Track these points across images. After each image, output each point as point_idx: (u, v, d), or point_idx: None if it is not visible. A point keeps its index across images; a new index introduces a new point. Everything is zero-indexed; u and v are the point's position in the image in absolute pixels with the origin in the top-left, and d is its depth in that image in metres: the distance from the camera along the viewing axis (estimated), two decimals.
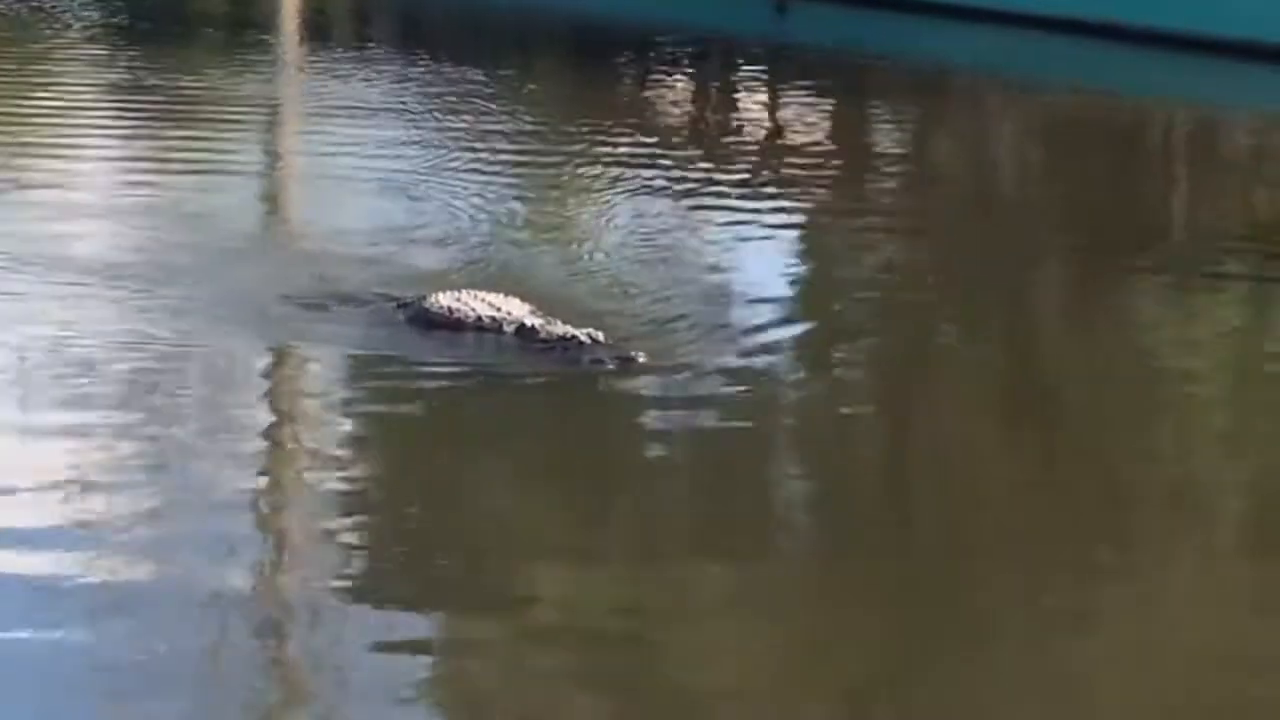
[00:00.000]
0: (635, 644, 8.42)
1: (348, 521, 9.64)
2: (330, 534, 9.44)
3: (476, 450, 10.86)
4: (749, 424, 11.21)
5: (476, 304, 12.44)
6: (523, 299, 12.58)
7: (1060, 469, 10.81)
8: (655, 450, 11.11)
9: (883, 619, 8.70)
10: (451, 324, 12.34)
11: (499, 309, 12.39)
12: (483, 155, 19.54)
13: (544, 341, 12.02)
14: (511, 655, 8.31)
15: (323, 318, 12.81)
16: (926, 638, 8.49)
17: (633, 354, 11.74)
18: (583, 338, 11.87)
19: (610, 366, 11.66)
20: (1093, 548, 9.51)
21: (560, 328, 12.06)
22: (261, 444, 10.79)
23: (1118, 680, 8.14)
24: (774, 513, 10.32)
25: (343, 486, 10.08)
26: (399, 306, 12.75)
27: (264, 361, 12.45)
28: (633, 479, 10.61)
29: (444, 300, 12.51)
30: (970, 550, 9.54)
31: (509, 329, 12.22)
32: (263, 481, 10.27)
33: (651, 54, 29.63)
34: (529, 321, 12.21)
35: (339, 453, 10.63)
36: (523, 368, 11.85)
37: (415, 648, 8.31)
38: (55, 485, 9.75)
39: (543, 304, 12.60)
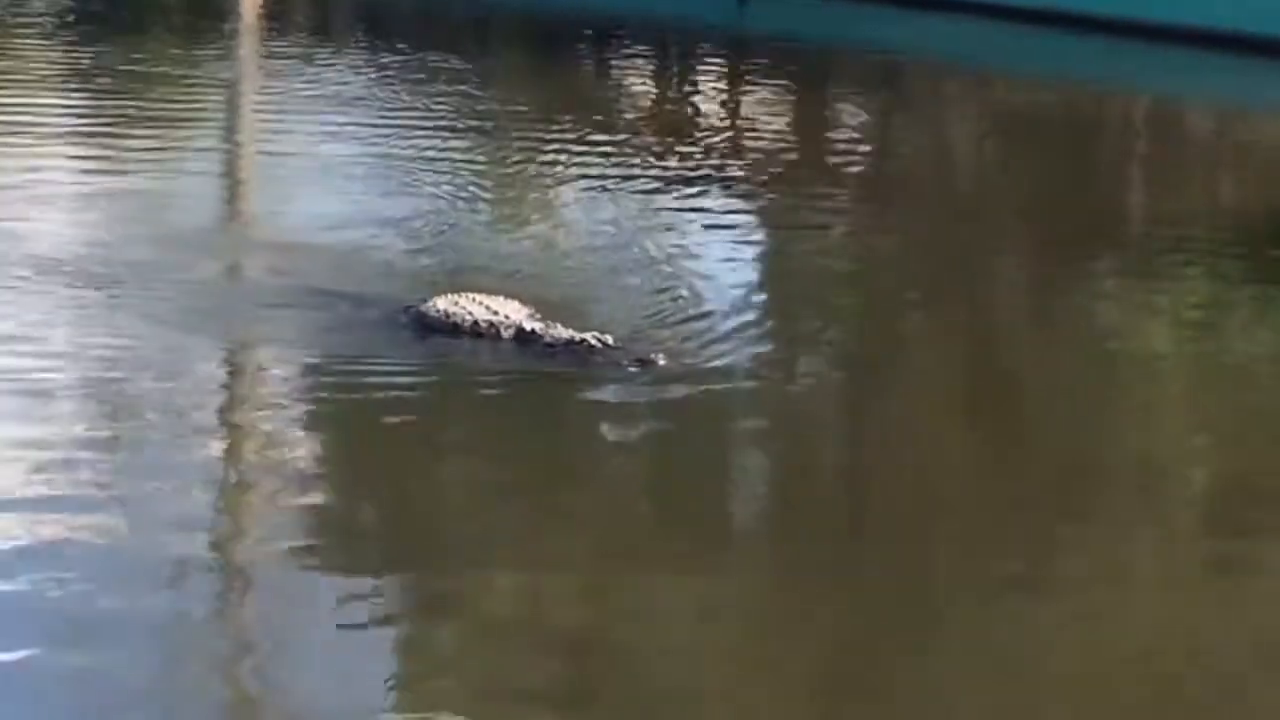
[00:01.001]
0: (595, 638, 8.39)
1: (314, 521, 9.52)
2: (298, 539, 9.32)
3: (446, 453, 10.74)
4: (710, 416, 11.17)
5: (474, 307, 12.18)
6: (521, 301, 12.37)
7: (1019, 458, 10.83)
8: (612, 450, 10.97)
9: (840, 604, 8.71)
10: (448, 328, 12.10)
11: (497, 312, 12.15)
12: (441, 146, 19.46)
13: (549, 345, 11.76)
14: (469, 644, 8.29)
15: (295, 318, 12.60)
16: (883, 621, 8.51)
17: (651, 355, 11.47)
18: (592, 340, 11.60)
19: (631, 369, 11.37)
20: (1050, 535, 9.53)
21: (564, 330, 11.80)
22: (229, 445, 10.64)
23: (1069, 659, 8.16)
24: (734, 503, 10.30)
25: (311, 488, 9.94)
26: (403, 310, 12.43)
27: (238, 363, 12.24)
28: (592, 477, 10.52)
29: (441, 304, 12.24)
30: (928, 538, 9.53)
31: (507, 333, 12.00)
32: (230, 480, 10.16)
33: (611, 44, 29.57)
34: (529, 325, 11.97)
35: (304, 454, 10.44)
36: (513, 370, 11.65)
37: (375, 627, 8.30)
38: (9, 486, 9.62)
39: (522, 301, 12.42)
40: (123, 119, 20.82)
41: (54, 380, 11.29)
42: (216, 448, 10.56)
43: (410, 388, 11.51)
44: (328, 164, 18.18)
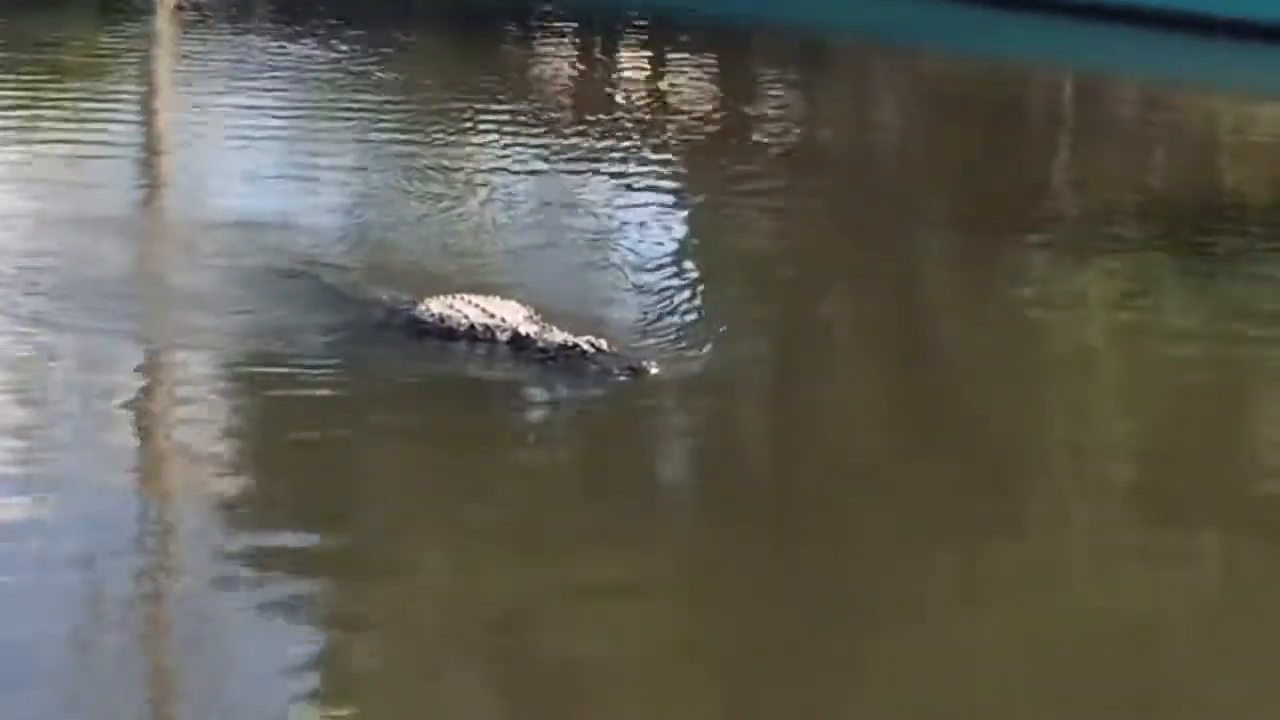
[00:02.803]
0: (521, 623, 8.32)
1: (249, 514, 9.36)
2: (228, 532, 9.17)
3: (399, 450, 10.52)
4: (629, 401, 11.02)
5: (469, 310, 11.84)
6: (519, 302, 12.03)
7: (946, 437, 10.76)
8: (530, 433, 10.94)
9: (765, 592, 8.66)
10: (443, 332, 11.76)
11: (493, 315, 11.80)
12: (361, 127, 19.36)
13: (542, 350, 11.41)
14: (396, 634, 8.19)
15: (223, 314, 12.26)
16: (808, 611, 8.45)
17: (642, 363, 11.13)
18: (584, 346, 11.24)
19: (621, 378, 11.04)
20: (978, 518, 9.48)
21: (559, 335, 11.44)
22: (167, 444, 10.48)
23: (998, 641, 8.17)
24: (658, 491, 10.22)
25: (263, 482, 9.79)
26: (390, 314, 12.12)
27: (164, 360, 11.88)
28: (517, 461, 10.42)
29: (435, 307, 11.88)
30: (855, 522, 9.50)
31: (503, 336, 11.68)
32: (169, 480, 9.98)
33: (535, 22, 29.41)
34: (524, 329, 11.63)
35: (232, 446, 10.31)
36: (496, 375, 11.42)
37: (299, 622, 8.19)
38: None
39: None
40: (34, 102, 20.52)
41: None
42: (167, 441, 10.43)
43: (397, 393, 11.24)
44: (247, 148, 17.95)
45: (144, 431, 10.60)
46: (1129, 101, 24.27)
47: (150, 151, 18.82)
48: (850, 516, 9.59)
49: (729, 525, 9.45)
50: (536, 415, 11.44)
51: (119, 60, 24.17)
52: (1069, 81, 25.25)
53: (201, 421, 10.55)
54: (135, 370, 11.49)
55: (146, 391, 11.20)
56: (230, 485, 9.64)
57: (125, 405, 10.76)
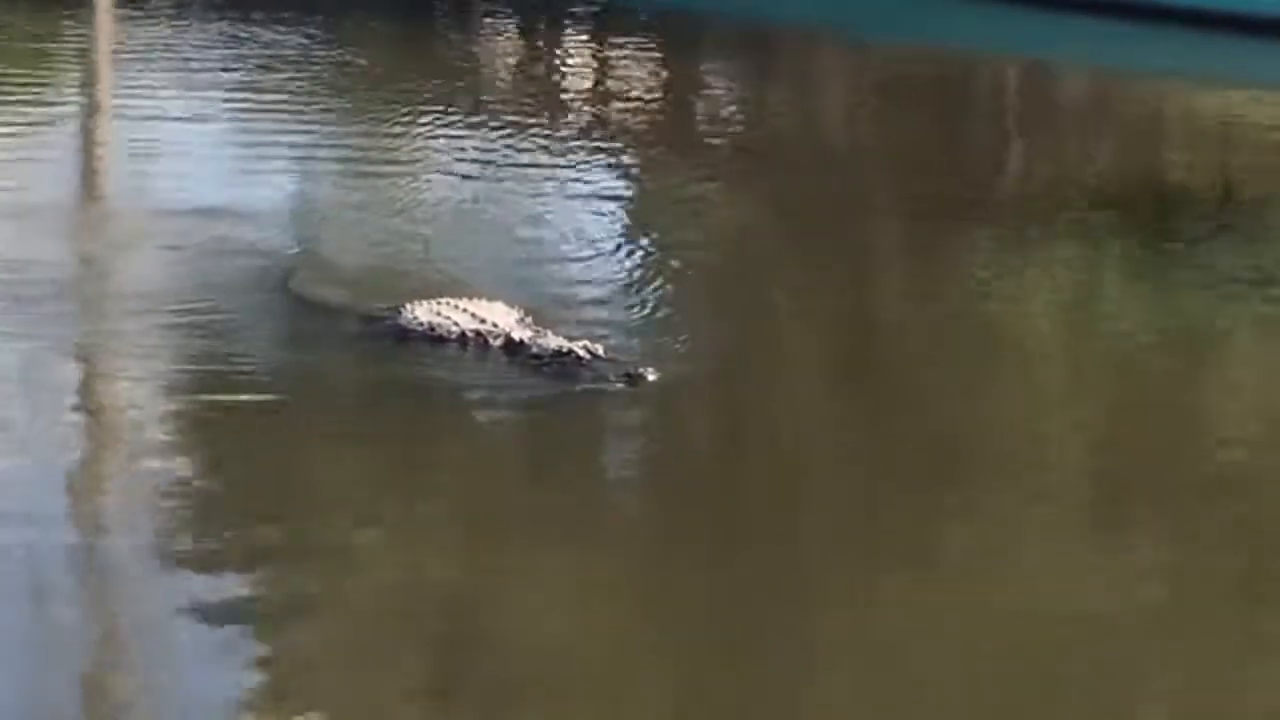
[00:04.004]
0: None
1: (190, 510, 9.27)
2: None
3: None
4: (574, 394, 10.92)
5: (459, 316, 11.55)
6: (507, 304, 11.77)
7: (894, 426, 10.74)
8: (466, 427, 10.82)
9: (711, 583, 8.65)
10: (434, 340, 11.49)
11: (484, 320, 11.52)
12: (300, 119, 19.18)
13: (535, 356, 11.14)
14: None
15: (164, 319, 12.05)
16: (755, 602, 8.44)
17: (640, 370, 10.84)
18: (580, 352, 10.97)
19: (617, 385, 10.77)
20: (925, 506, 9.48)
21: (553, 340, 11.16)
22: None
23: (946, 633, 8.14)
24: (604, 485, 10.20)
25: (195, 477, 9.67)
26: (373, 320, 11.86)
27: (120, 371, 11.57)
28: (453, 446, 10.40)
29: (421, 314, 11.64)
30: (802, 512, 9.50)
31: (495, 342, 11.39)
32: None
33: (479, 11, 29.30)
34: (518, 334, 11.37)
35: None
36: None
37: (239, 613, 8.16)
38: None
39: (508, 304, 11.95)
40: None
41: None
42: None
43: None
44: (187, 140, 17.81)
45: (86, 433, 10.41)
46: (1078, 89, 24.29)
47: (90, 140, 18.64)
48: (802, 505, 9.57)
49: (680, 521, 9.45)
50: (530, 422, 11.05)
51: (59, 46, 23.96)
52: (1018, 70, 25.26)
53: (152, 426, 10.37)
54: (75, 373, 11.30)
55: (88, 395, 11.00)
56: (189, 491, 9.51)
57: (68, 406, 10.59)
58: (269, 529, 9.06)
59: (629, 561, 9.03)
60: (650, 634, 8.23)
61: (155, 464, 9.85)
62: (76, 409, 10.69)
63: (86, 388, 11.16)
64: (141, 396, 10.84)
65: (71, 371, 11.32)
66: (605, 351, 11.01)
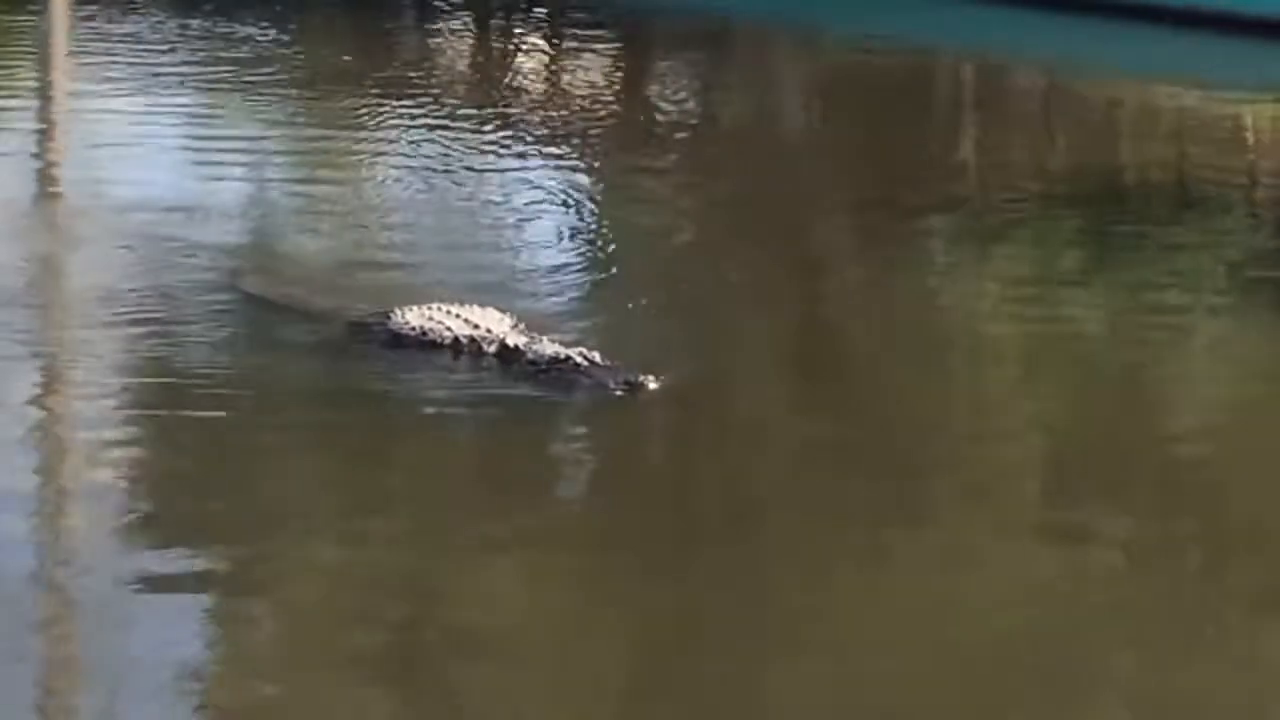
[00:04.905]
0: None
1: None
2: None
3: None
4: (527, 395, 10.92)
5: (452, 322, 11.39)
6: (500, 311, 11.61)
7: (847, 424, 10.75)
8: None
9: (665, 581, 8.66)
10: (425, 346, 11.31)
11: (478, 326, 11.34)
12: (261, 112, 19.23)
13: (531, 363, 10.98)
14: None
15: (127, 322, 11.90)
16: (709, 600, 8.47)
17: (640, 378, 10.67)
18: (577, 359, 10.81)
19: (617, 393, 10.61)
20: (878, 506, 9.48)
21: (549, 347, 11.02)
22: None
23: (903, 636, 8.14)
24: (557, 483, 10.15)
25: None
26: (358, 327, 11.69)
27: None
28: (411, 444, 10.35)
29: (413, 320, 11.44)
30: (755, 512, 9.48)
31: (490, 349, 11.21)
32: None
33: (433, 4, 29.22)
34: (512, 340, 11.19)
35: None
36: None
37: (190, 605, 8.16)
38: None
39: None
40: None
41: None
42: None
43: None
44: (143, 136, 17.69)
45: (38, 437, 10.29)
46: (1033, 84, 24.34)
47: (43, 137, 18.53)
48: (759, 503, 9.58)
49: (622, 508, 9.51)
50: (530, 432, 10.81)
51: (12, 40, 23.83)
52: (974, 65, 25.28)
53: (110, 430, 10.25)
54: (29, 376, 11.12)
55: (42, 398, 10.85)
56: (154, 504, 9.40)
57: (16, 409, 10.46)
58: (266, 544, 8.97)
59: (572, 547, 9.08)
60: (601, 617, 8.26)
61: (117, 470, 9.75)
62: (29, 412, 10.52)
63: (41, 390, 11.00)
64: (97, 399, 10.69)
65: (25, 373, 11.13)
66: (602, 358, 10.87)
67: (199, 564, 8.66)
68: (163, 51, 23.20)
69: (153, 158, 16.86)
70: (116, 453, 9.93)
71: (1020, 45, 26.33)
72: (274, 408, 10.69)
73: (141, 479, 9.65)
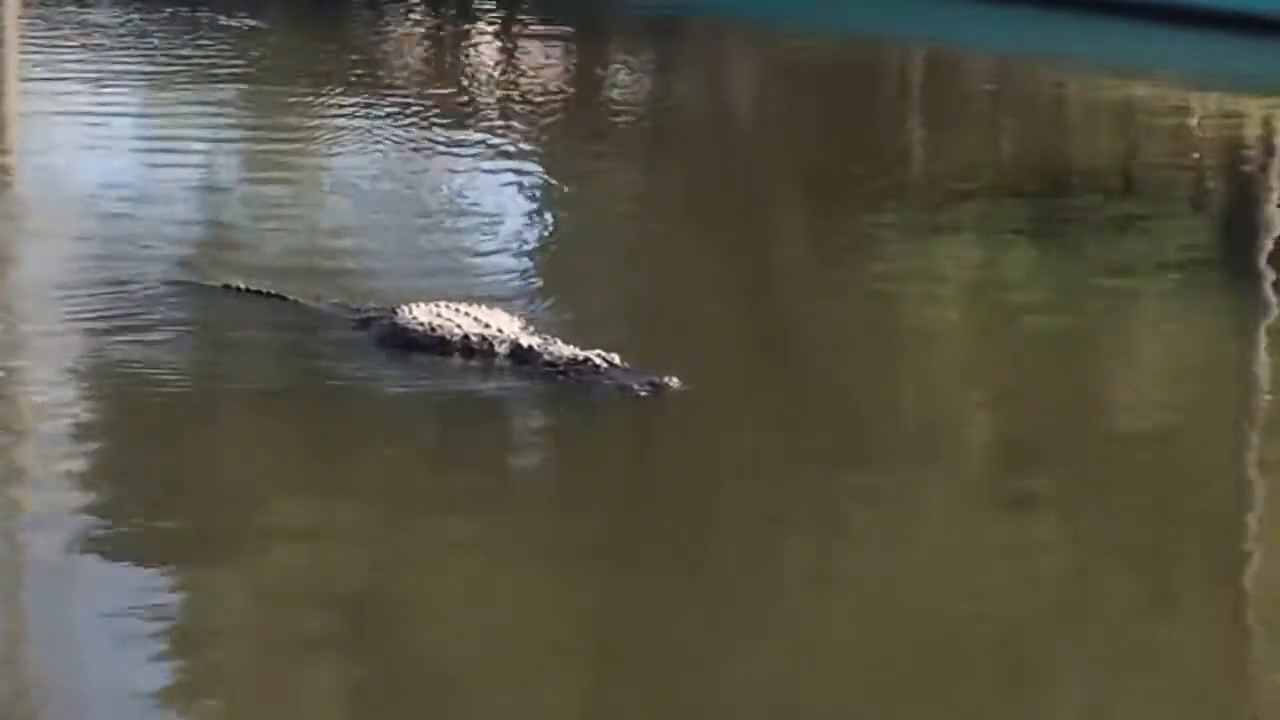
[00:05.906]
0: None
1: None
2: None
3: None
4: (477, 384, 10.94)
5: (462, 320, 11.13)
6: (507, 312, 11.42)
7: (801, 415, 10.75)
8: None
9: (622, 572, 8.67)
10: (434, 344, 11.08)
11: (488, 325, 11.12)
12: (215, 103, 19.14)
13: (549, 364, 10.79)
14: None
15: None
16: (666, 588, 8.48)
17: (665, 379, 10.47)
18: (596, 360, 10.63)
19: (642, 394, 10.42)
20: (832, 497, 9.54)
21: (566, 349, 10.81)
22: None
23: (854, 620, 8.21)
24: (516, 469, 10.14)
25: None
26: (361, 323, 11.51)
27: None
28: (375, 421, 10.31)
29: (422, 316, 11.21)
30: (710, 500, 9.52)
31: (501, 349, 11.01)
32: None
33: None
34: (525, 341, 11.02)
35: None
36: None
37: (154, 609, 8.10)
38: None
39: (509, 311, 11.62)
40: None
41: None
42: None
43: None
44: (96, 129, 17.60)
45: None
46: (982, 75, 24.42)
47: None
48: (714, 493, 9.62)
49: (580, 495, 9.49)
50: (569, 434, 10.71)
51: None
52: (923, 56, 25.38)
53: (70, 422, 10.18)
54: None
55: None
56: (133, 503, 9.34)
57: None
58: (281, 554, 8.87)
59: (534, 538, 9.01)
60: (561, 613, 8.25)
61: (85, 462, 9.74)
62: None
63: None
64: (56, 393, 10.59)
65: None
66: (622, 360, 10.70)
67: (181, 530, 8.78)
68: (117, 44, 23.14)
69: (106, 149, 16.82)
70: (97, 444, 9.98)
71: (969, 36, 26.43)
72: (278, 407, 10.56)
73: (134, 472, 9.70)
